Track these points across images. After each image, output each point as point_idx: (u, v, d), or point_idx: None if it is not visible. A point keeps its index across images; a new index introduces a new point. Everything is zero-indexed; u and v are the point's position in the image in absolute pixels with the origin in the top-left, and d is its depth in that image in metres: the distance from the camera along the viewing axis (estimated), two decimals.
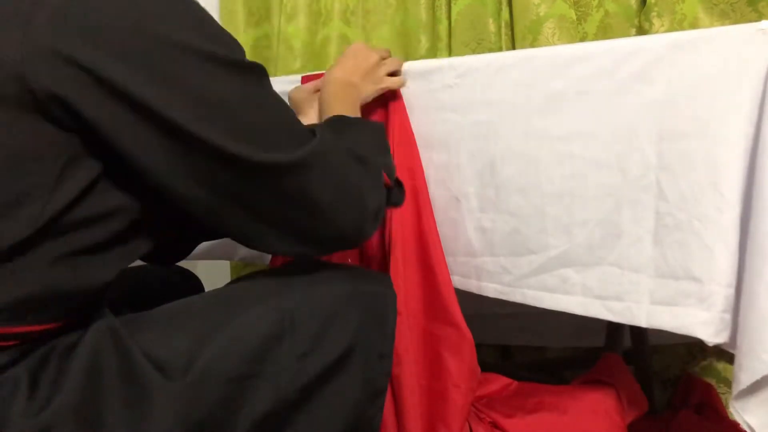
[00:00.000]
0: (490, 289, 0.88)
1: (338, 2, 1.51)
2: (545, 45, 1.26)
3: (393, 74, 0.94)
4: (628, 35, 1.28)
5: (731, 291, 0.70)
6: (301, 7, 1.53)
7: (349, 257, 0.96)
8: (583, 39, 1.30)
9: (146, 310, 0.71)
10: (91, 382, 0.57)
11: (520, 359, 1.47)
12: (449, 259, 0.89)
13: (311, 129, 0.67)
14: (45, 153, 0.54)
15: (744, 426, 0.69)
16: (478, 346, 0.87)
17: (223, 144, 0.57)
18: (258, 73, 0.62)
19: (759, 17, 1.13)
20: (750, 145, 0.69)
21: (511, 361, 1.48)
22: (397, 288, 0.77)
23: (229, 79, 0.59)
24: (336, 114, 0.82)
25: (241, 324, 0.63)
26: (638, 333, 1.12)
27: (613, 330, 1.10)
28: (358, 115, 0.87)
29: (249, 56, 1.57)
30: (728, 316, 0.71)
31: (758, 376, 0.66)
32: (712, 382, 1.23)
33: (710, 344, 0.72)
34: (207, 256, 1.20)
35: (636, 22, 1.27)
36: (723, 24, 1.15)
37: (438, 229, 0.90)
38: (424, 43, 1.45)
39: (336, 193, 0.65)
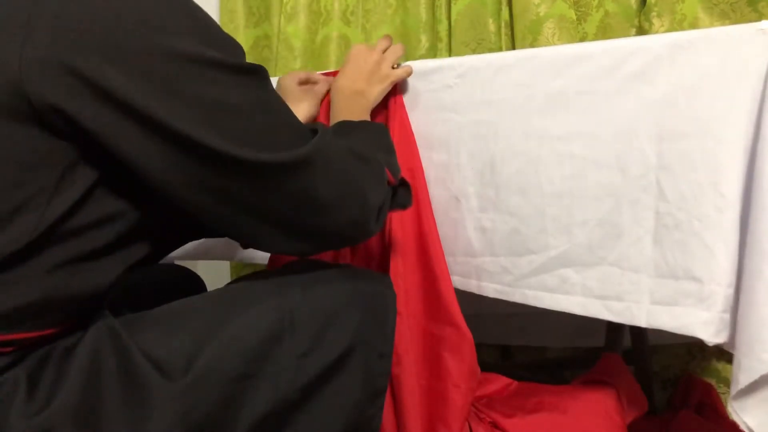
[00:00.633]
0: (490, 289, 0.88)
1: (338, 2, 1.51)
2: (545, 45, 1.26)
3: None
4: (628, 35, 1.28)
5: (731, 291, 0.70)
6: (301, 7, 1.53)
7: (350, 257, 0.96)
8: (583, 39, 1.30)
9: (146, 310, 0.71)
10: (91, 382, 0.58)
11: (520, 359, 1.47)
12: (449, 259, 0.89)
13: (312, 128, 0.67)
14: (42, 162, 0.54)
15: (742, 426, 0.69)
16: (478, 346, 0.87)
17: (226, 148, 0.57)
18: (259, 76, 0.62)
19: (759, 17, 1.13)
20: (750, 145, 0.69)
21: (511, 361, 1.48)
22: (397, 288, 0.77)
23: (231, 84, 0.58)
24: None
25: (240, 324, 0.63)
26: (638, 333, 1.12)
27: (613, 330, 1.10)
28: (366, 119, 0.87)
29: (249, 56, 1.58)
30: (728, 316, 0.71)
31: (757, 376, 0.66)
32: (712, 382, 1.23)
33: (710, 344, 0.72)
34: (207, 256, 1.20)
35: (636, 22, 1.27)
36: (723, 24, 1.15)
37: (438, 229, 0.90)
38: (424, 43, 1.45)
39: (338, 190, 0.65)
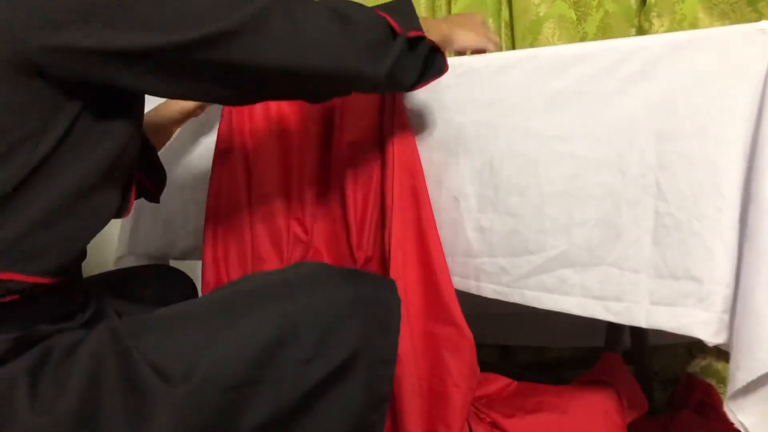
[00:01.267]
0: (489, 289, 0.88)
1: None
2: (545, 45, 1.26)
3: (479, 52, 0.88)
4: (628, 35, 1.28)
5: (731, 291, 0.70)
6: None
7: (349, 257, 0.96)
8: (583, 39, 1.30)
9: (139, 306, 0.71)
10: (92, 386, 0.58)
11: (520, 359, 1.47)
12: (448, 260, 0.89)
13: None
14: (33, 107, 0.58)
15: (738, 425, 0.69)
16: (478, 346, 0.87)
17: (162, 41, 0.59)
18: None
19: (759, 17, 1.13)
20: (749, 145, 0.69)
21: (511, 361, 1.48)
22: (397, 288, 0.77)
23: None
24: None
25: (242, 329, 0.63)
26: (638, 333, 1.12)
27: (613, 330, 1.10)
28: (430, 26, 0.78)
29: None
30: (728, 316, 0.71)
31: (755, 375, 0.66)
32: (712, 382, 1.24)
33: (710, 344, 0.72)
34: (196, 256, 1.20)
35: (636, 22, 1.27)
36: (723, 24, 1.16)
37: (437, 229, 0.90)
38: None
39: (294, 52, 0.64)
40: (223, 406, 0.60)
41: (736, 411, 0.69)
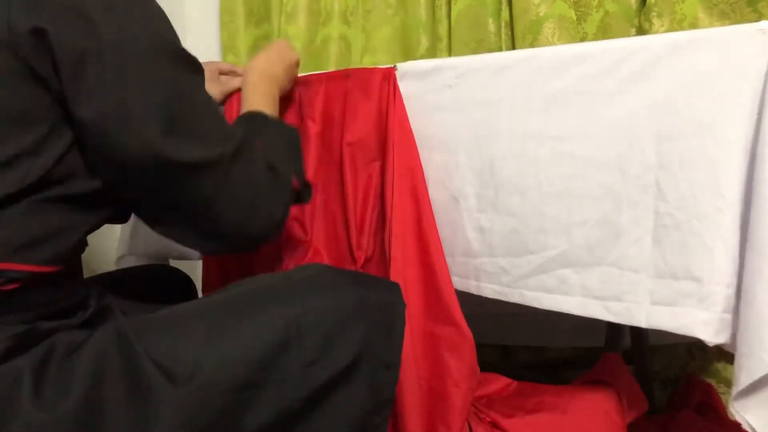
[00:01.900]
0: (489, 289, 0.88)
1: (338, 2, 1.51)
2: (545, 45, 1.26)
3: None
4: (628, 35, 1.28)
5: (731, 291, 0.70)
6: (301, 7, 1.53)
7: (348, 257, 0.96)
8: (583, 39, 1.30)
9: (140, 306, 0.71)
10: (96, 387, 0.58)
11: (520, 359, 1.47)
12: (448, 260, 0.89)
13: (232, 129, 0.72)
14: (35, 117, 0.60)
15: (745, 426, 0.69)
16: (478, 346, 0.87)
17: (153, 139, 0.62)
18: (196, 66, 0.68)
19: (759, 17, 1.13)
20: (750, 145, 0.69)
21: (511, 361, 1.48)
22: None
23: (173, 72, 0.65)
24: (256, 107, 0.86)
25: (247, 331, 0.63)
26: (638, 333, 1.12)
27: (613, 330, 1.10)
28: (277, 106, 0.91)
29: (250, 56, 1.57)
30: (728, 316, 0.71)
31: (758, 376, 0.66)
32: (712, 382, 1.24)
33: (710, 344, 0.72)
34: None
35: (636, 22, 1.28)
36: (723, 24, 1.16)
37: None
38: (424, 43, 1.45)
39: (245, 194, 0.70)
40: (226, 407, 0.60)
41: (742, 411, 0.69)
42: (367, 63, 1.51)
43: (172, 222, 0.71)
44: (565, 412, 0.91)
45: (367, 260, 0.95)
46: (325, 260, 0.98)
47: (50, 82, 0.59)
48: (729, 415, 1.12)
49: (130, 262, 1.27)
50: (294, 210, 0.97)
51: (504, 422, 0.90)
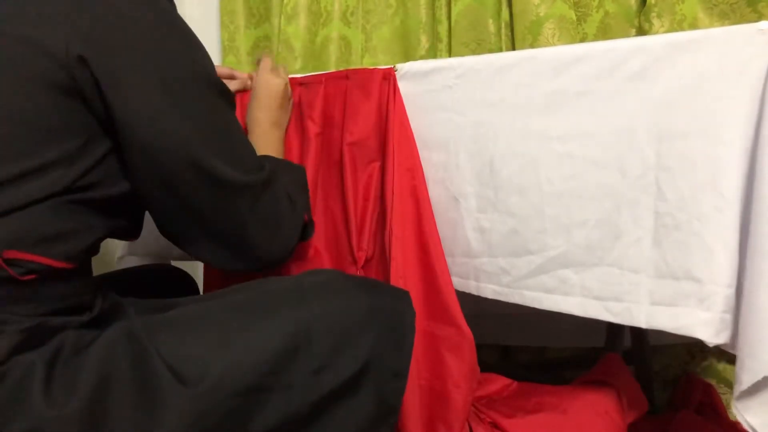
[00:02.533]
0: (489, 290, 0.88)
1: (338, 3, 1.51)
2: (545, 45, 1.26)
3: None
4: (628, 35, 1.28)
5: (731, 291, 0.70)
6: (301, 8, 1.53)
7: (349, 258, 0.96)
8: (583, 39, 1.31)
9: (143, 306, 0.72)
10: (104, 387, 0.58)
11: (520, 359, 1.47)
12: (447, 260, 0.89)
13: (262, 159, 0.77)
14: (73, 130, 0.64)
15: (746, 426, 0.69)
16: (478, 346, 0.87)
17: (217, 172, 0.68)
18: (231, 99, 0.74)
19: (759, 18, 1.13)
20: (750, 145, 0.69)
21: (511, 361, 1.48)
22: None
23: (222, 106, 0.71)
24: (267, 153, 0.90)
25: (257, 335, 0.63)
26: (638, 333, 1.13)
27: (614, 330, 1.10)
28: (283, 144, 0.97)
29: (250, 56, 1.58)
30: (728, 317, 0.71)
31: (760, 377, 0.66)
32: (712, 382, 1.24)
33: (710, 345, 0.72)
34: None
35: (636, 22, 1.28)
36: (723, 24, 1.16)
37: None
38: (424, 43, 1.45)
39: (269, 219, 0.75)
40: (234, 410, 0.60)
41: (744, 412, 0.69)
42: (367, 63, 1.51)
43: (198, 238, 0.74)
44: (565, 412, 0.91)
45: (368, 260, 0.95)
46: (325, 260, 0.98)
47: (94, 101, 0.64)
48: (729, 415, 1.12)
49: (131, 262, 1.27)
50: None
51: (504, 422, 0.90)
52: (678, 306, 0.73)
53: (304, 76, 1.01)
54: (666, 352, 1.30)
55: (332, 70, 1.13)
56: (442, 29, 1.42)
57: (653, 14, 1.21)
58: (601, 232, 0.78)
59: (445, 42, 1.42)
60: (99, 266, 0.75)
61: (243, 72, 1.04)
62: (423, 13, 1.45)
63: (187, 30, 0.70)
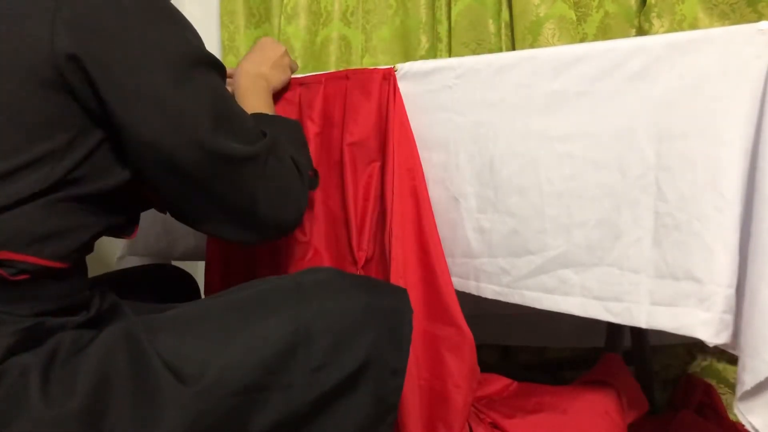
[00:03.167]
0: (489, 290, 0.88)
1: (338, 3, 1.51)
2: (545, 46, 1.26)
3: None
4: (628, 36, 1.28)
5: (731, 291, 0.70)
6: (301, 8, 1.53)
7: (350, 258, 0.96)
8: (583, 40, 1.31)
9: (144, 306, 0.72)
10: (102, 387, 0.58)
11: (520, 359, 1.47)
12: (448, 260, 0.89)
13: (261, 128, 0.76)
14: (62, 123, 0.63)
15: (748, 427, 0.69)
16: (478, 347, 0.87)
17: (218, 146, 0.67)
18: (223, 70, 0.73)
19: (759, 18, 1.13)
20: (750, 145, 0.69)
21: (511, 361, 1.48)
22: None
23: (217, 82, 0.70)
24: (253, 109, 0.88)
25: (256, 333, 0.63)
26: (638, 333, 1.13)
27: (614, 330, 1.10)
28: (271, 103, 0.94)
29: None
30: (729, 317, 0.71)
31: (762, 377, 0.66)
32: (712, 382, 1.24)
33: (710, 345, 0.72)
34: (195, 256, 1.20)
35: (636, 22, 1.28)
36: (723, 24, 1.16)
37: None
38: (424, 43, 1.45)
39: (277, 185, 0.74)
40: (233, 408, 0.60)
41: (746, 413, 0.69)
42: (367, 63, 1.51)
43: (212, 216, 0.74)
44: (565, 413, 0.91)
45: (368, 261, 0.95)
46: (326, 260, 0.98)
47: (85, 96, 0.63)
48: (729, 416, 1.12)
49: (131, 262, 1.27)
50: None
51: (504, 422, 0.90)
52: (678, 306, 0.73)
53: (304, 76, 1.01)
54: (666, 352, 1.30)
55: (332, 70, 1.13)
56: (442, 29, 1.42)
57: (653, 14, 1.21)
58: (601, 232, 0.78)
59: (445, 42, 1.42)
60: (99, 266, 0.76)
61: None
62: (423, 13, 1.45)
63: (173, 9, 0.68)
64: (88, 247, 0.70)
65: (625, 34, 1.28)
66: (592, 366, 1.01)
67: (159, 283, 1.06)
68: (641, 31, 1.25)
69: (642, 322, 0.76)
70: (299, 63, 1.54)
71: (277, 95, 1.00)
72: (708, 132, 0.70)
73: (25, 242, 0.61)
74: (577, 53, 0.79)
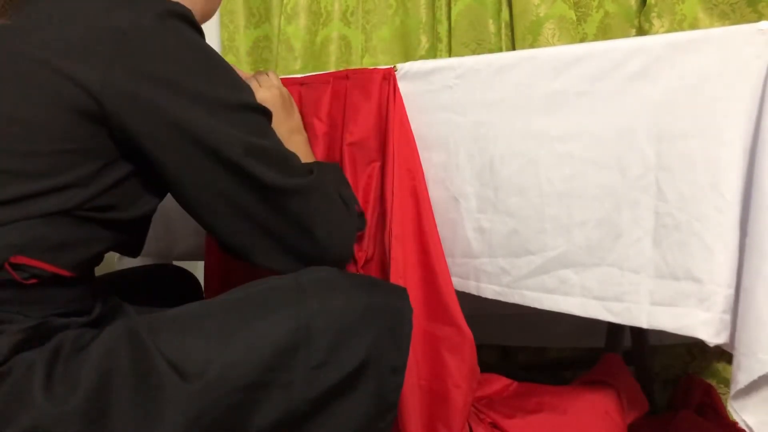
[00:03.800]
0: (489, 290, 0.88)
1: (338, 3, 1.51)
2: (545, 45, 1.26)
3: None
4: (628, 35, 1.28)
5: (731, 291, 0.70)
6: (301, 8, 1.54)
7: (353, 259, 0.96)
8: (583, 39, 1.31)
9: (144, 306, 0.72)
10: (104, 385, 0.59)
11: (520, 359, 1.47)
12: (448, 260, 0.89)
13: (307, 165, 0.78)
14: (92, 154, 0.65)
15: (743, 425, 0.69)
16: (478, 347, 0.87)
17: (258, 173, 0.68)
18: (269, 115, 0.75)
19: (759, 18, 1.14)
20: (749, 145, 0.69)
21: (511, 361, 1.48)
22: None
23: (258, 121, 0.72)
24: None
25: (257, 332, 0.63)
26: (638, 333, 1.13)
27: (614, 330, 1.10)
28: (310, 152, 0.95)
29: (249, 57, 1.58)
30: (728, 317, 0.71)
31: (756, 376, 0.66)
32: (712, 382, 1.24)
33: (711, 345, 0.72)
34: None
35: (636, 22, 1.28)
36: (723, 24, 1.16)
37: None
38: (424, 43, 1.45)
39: (327, 218, 0.75)
40: (234, 406, 0.61)
41: (740, 411, 0.69)
42: (367, 63, 1.51)
43: (265, 249, 0.74)
44: (565, 413, 0.91)
45: (368, 261, 0.95)
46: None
47: (119, 133, 0.65)
48: (729, 415, 1.12)
49: (131, 262, 1.27)
50: None
51: (504, 422, 0.90)
52: (678, 306, 0.73)
53: (305, 76, 1.01)
54: (666, 352, 1.30)
55: (332, 70, 1.13)
56: (442, 29, 1.42)
57: (653, 14, 1.21)
58: (601, 233, 0.78)
59: (445, 42, 1.42)
60: (100, 266, 0.76)
61: (243, 72, 1.03)
62: (423, 13, 1.45)
63: (220, 59, 0.71)
64: (98, 258, 0.72)
65: (625, 34, 1.28)
66: (592, 366, 1.01)
67: (161, 283, 1.06)
68: (641, 31, 1.25)
69: (642, 322, 0.76)
70: (299, 63, 1.54)
71: None
72: (708, 132, 0.70)
73: (41, 249, 0.63)
74: (577, 53, 0.79)
